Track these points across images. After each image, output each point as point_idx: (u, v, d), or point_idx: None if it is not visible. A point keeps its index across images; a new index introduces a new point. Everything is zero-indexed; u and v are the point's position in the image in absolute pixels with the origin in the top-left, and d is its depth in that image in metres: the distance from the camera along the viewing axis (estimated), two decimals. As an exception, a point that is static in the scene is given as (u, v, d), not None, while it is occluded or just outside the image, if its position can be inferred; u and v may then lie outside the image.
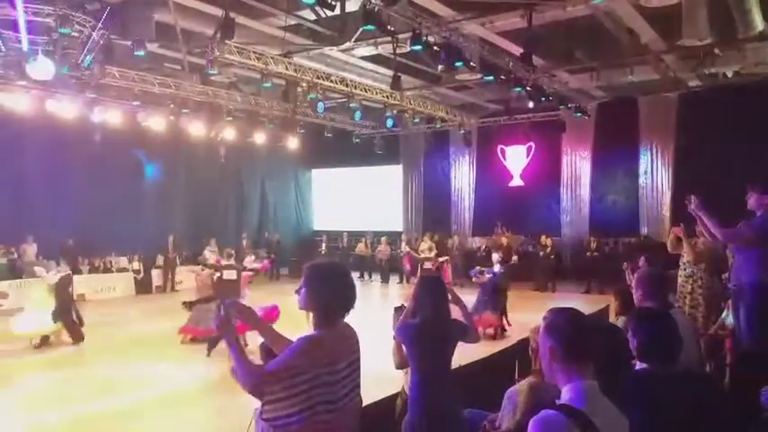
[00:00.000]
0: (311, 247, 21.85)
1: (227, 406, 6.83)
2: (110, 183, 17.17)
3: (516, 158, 20.39)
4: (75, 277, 16.45)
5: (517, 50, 12.19)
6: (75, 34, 9.90)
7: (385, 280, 19.71)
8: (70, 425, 6.68)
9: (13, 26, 9.67)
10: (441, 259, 13.82)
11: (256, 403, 2.56)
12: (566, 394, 2.01)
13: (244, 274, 10.36)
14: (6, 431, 6.65)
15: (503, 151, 20.59)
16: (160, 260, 18.03)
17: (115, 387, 8.03)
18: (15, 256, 15.98)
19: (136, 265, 17.65)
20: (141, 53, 10.57)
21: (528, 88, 13.69)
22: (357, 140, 21.04)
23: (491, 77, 12.64)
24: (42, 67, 10.09)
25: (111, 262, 17.94)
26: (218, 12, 10.12)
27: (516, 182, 20.36)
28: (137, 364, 9.21)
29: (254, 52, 12.36)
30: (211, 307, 10.63)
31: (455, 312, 4.06)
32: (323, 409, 2.46)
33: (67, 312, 10.47)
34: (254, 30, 11.82)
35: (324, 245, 22.41)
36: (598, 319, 4.25)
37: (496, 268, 11.04)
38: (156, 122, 16.38)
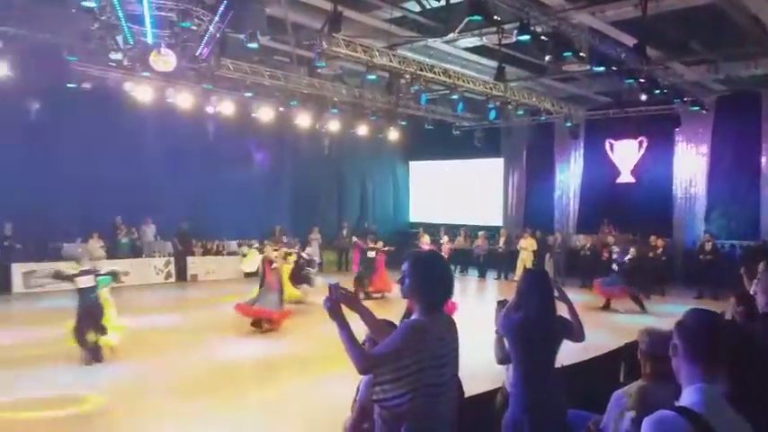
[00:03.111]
0: (408, 239, 21.92)
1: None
2: (221, 170, 18.07)
3: (626, 153, 19.50)
4: (189, 258, 17.57)
5: (629, 41, 11.69)
6: (194, 28, 10.42)
7: (482, 275, 19.50)
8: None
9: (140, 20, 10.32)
10: (385, 249, 15.20)
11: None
12: (686, 397, 1.93)
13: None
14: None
15: (611, 146, 19.77)
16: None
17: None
18: (136, 236, 17.21)
19: (245, 249, 18.41)
20: (254, 46, 10.97)
21: (641, 80, 13.03)
22: (457, 132, 20.81)
23: (601, 68, 12.14)
24: (165, 59, 10.71)
25: (222, 245, 18.89)
26: (327, 5, 10.37)
27: (625, 178, 19.48)
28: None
29: (361, 45, 12.54)
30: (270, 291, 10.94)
31: (561, 310, 3.97)
32: (429, 392, 2.54)
33: None
34: (360, 22, 12.01)
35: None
36: (734, 323, 4.00)
37: (630, 255, 13.95)
38: (265, 113, 17.00)
